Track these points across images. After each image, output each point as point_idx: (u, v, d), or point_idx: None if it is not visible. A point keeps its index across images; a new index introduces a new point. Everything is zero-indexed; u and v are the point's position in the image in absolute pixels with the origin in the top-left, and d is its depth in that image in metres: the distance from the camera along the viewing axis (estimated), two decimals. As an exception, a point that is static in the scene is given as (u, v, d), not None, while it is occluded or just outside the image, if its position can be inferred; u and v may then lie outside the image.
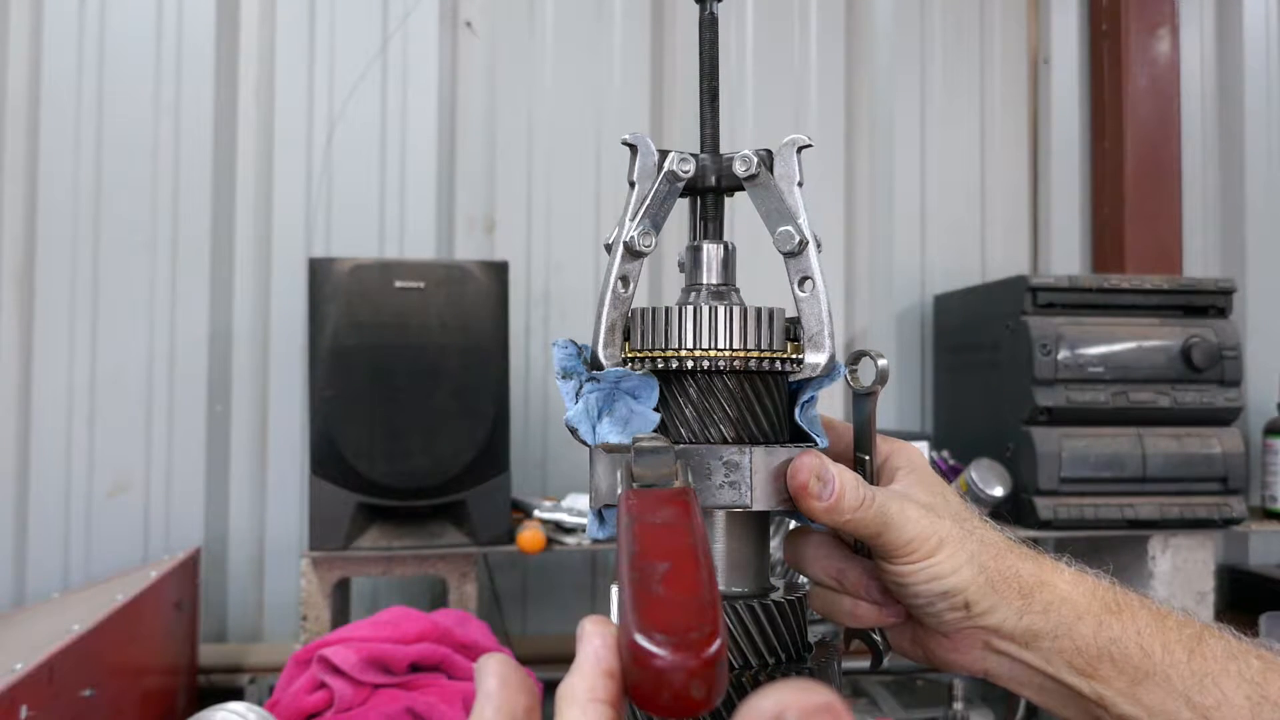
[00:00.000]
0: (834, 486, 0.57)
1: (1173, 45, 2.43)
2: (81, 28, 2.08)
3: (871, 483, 0.62)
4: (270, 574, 2.11)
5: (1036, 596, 0.60)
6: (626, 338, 0.60)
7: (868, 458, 0.63)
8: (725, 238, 0.64)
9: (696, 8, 0.65)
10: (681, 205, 0.65)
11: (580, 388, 0.59)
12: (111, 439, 2.06)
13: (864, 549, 0.64)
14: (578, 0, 2.29)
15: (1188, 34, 2.52)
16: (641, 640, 0.32)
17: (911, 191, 2.44)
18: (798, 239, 0.60)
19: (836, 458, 0.61)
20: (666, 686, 0.31)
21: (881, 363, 0.61)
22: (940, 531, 0.59)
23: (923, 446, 1.91)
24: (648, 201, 0.61)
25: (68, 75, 2.07)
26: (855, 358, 0.62)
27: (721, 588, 0.58)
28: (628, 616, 0.33)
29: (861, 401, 0.63)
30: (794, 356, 0.60)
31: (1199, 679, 0.58)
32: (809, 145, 0.61)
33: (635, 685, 0.32)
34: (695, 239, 0.64)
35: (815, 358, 0.60)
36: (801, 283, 0.60)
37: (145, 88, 2.10)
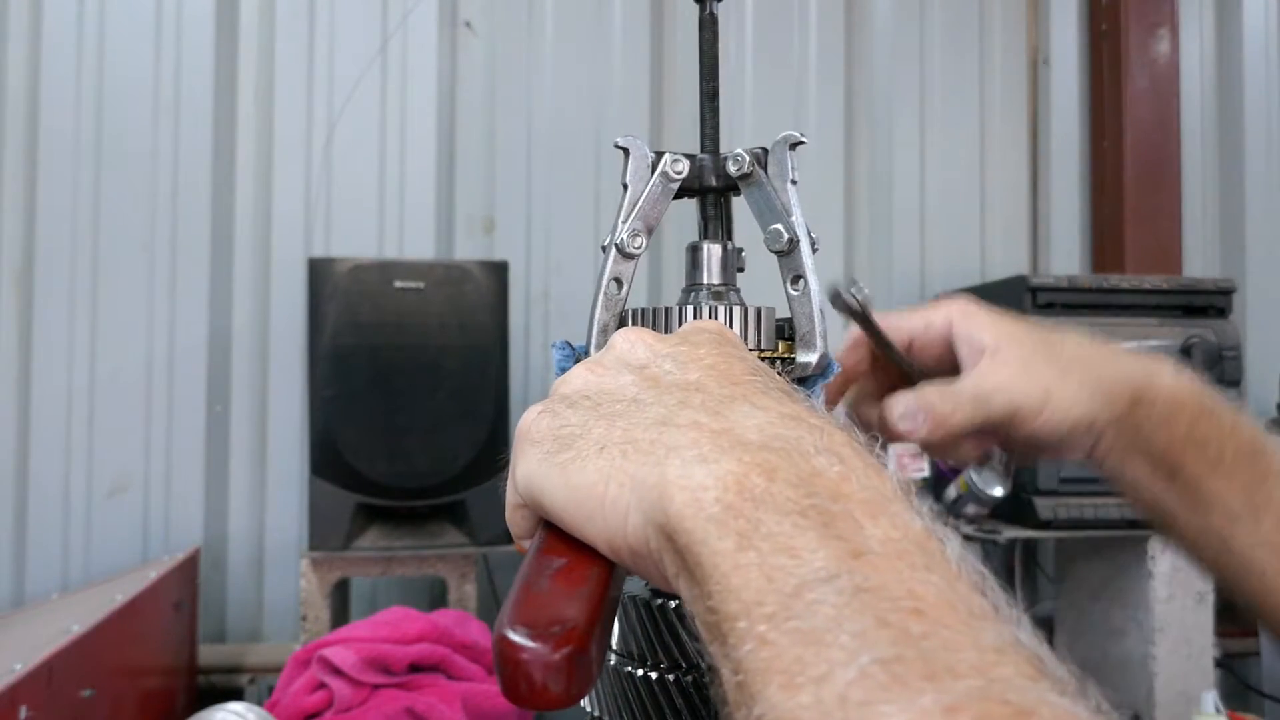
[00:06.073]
0: (923, 414, 0.59)
1: (1173, 45, 2.43)
2: (81, 28, 2.08)
3: (948, 375, 0.63)
4: (270, 574, 2.11)
5: (1145, 397, 0.62)
6: (620, 338, 0.60)
7: (913, 366, 0.64)
8: (729, 238, 0.64)
9: (696, 7, 0.64)
10: (687, 206, 0.65)
11: (576, 388, 0.59)
12: (111, 439, 2.06)
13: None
14: (578, 0, 2.29)
15: (1188, 34, 2.52)
16: (507, 632, 0.32)
17: (911, 191, 2.43)
18: (787, 237, 0.60)
19: (893, 380, 0.62)
20: (524, 679, 0.31)
21: (866, 291, 0.61)
22: (1041, 382, 0.60)
23: (922, 446, 1.90)
24: (639, 203, 0.61)
25: (68, 75, 2.07)
26: (834, 298, 0.62)
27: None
28: (504, 609, 0.33)
29: (866, 325, 0.63)
30: (785, 355, 0.60)
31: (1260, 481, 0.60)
32: (802, 142, 0.61)
33: (499, 675, 0.32)
34: (698, 239, 0.64)
35: (806, 357, 0.60)
36: (794, 281, 0.60)
37: (145, 88, 2.10)
